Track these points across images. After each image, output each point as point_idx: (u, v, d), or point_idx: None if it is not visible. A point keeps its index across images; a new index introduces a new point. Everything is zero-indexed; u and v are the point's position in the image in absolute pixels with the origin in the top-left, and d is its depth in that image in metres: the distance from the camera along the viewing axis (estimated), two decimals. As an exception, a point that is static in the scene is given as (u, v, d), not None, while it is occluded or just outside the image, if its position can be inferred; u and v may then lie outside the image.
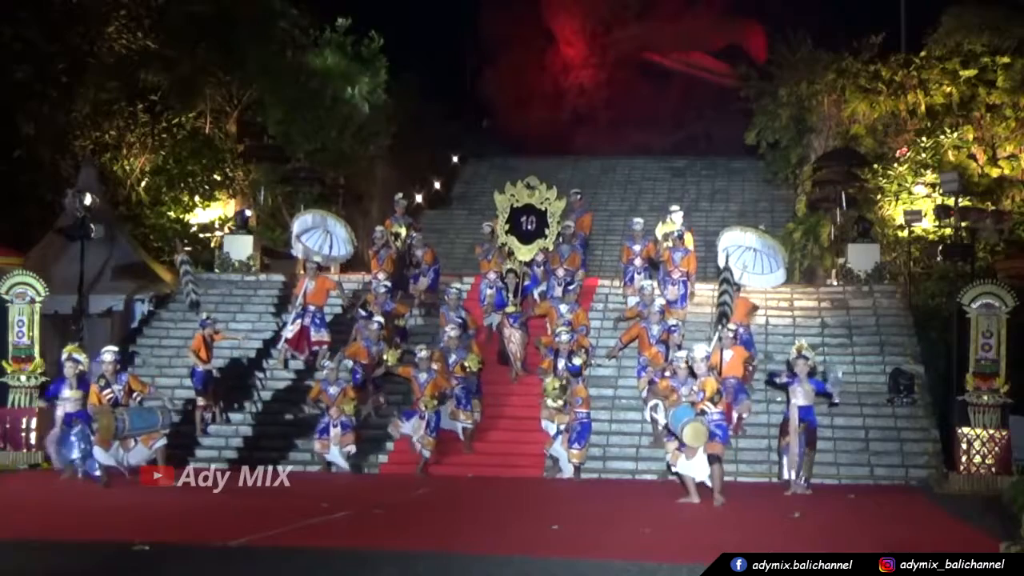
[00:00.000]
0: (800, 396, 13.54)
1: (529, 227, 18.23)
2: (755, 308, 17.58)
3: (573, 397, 14.52)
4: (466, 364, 15.70)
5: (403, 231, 19.89)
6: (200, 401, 16.29)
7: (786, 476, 13.84)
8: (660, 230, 19.18)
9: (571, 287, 17.32)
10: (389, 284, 17.76)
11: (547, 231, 18.19)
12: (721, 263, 17.73)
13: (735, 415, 14.83)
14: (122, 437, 13.81)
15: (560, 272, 17.85)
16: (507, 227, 18.30)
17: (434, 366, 15.23)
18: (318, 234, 19.91)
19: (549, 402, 14.57)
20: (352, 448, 15.28)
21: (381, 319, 16.65)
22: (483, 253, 19.02)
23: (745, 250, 18.20)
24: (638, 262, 18.56)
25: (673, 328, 15.63)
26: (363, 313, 16.77)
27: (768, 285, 18.57)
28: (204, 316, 17.07)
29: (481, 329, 17.70)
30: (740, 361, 15.27)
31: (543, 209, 18.21)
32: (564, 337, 15.35)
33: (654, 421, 14.90)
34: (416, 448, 15.07)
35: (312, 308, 17.65)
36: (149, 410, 14.38)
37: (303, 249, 19.62)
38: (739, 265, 17.85)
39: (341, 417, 15.15)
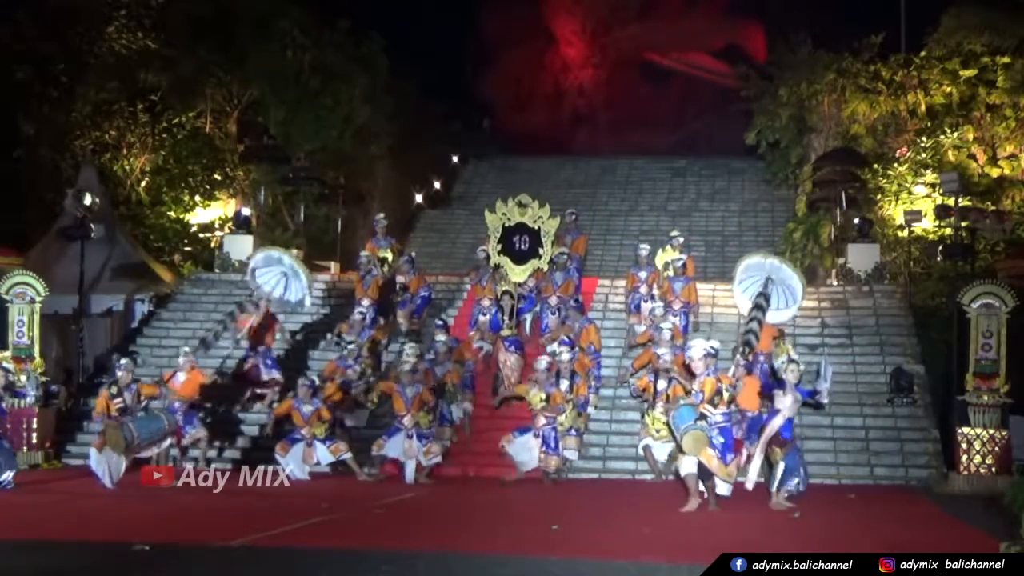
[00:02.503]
0: (788, 406, 12.15)
1: (522, 247, 17.63)
2: (782, 334, 16.29)
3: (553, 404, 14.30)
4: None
5: (389, 255, 19.11)
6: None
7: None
8: (660, 258, 18.22)
9: (573, 307, 16.60)
10: (365, 310, 17.09)
11: (541, 251, 17.56)
12: (738, 289, 16.85)
13: (745, 453, 13.43)
14: (134, 448, 13.72)
15: (553, 300, 17.06)
16: (499, 247, 17.66)
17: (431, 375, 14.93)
18: (274, 274, 17.92)
19: (559, 422, 14.36)
20: (345, 455, 14.56)
21: (353, 342, 16.26)
22: (476, 278, 18.33)
23: (756, 307, 16.59)
24: (643, 289, 17.59)
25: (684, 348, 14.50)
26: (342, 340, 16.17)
27: (782, 320, 17.03)
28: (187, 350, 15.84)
29: (477, 361, 16.81)
30: (754, 392, 13.92)
31: (536, 228, 17.59)
32: (564, 357, 14.73)
33: (647, 452, 14.71)
34: (412, 463, 14.39)
35: (260, 348, 16.62)
36: (154, 416, 14.24)
37: (255, 286, 17.83)
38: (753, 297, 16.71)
39: (315, 439, 14.50)
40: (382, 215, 20.26)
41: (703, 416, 11.90)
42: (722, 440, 11.79)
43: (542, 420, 14.19)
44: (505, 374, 16.37)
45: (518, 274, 17.57)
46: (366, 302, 17.54)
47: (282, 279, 17.77)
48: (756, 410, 13.51)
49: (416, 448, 14.27)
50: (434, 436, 14.64)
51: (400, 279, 18.34)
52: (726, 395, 12.13)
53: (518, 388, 15.22)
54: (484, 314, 17.17)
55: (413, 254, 19.33)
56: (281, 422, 15.10)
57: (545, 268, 17.66)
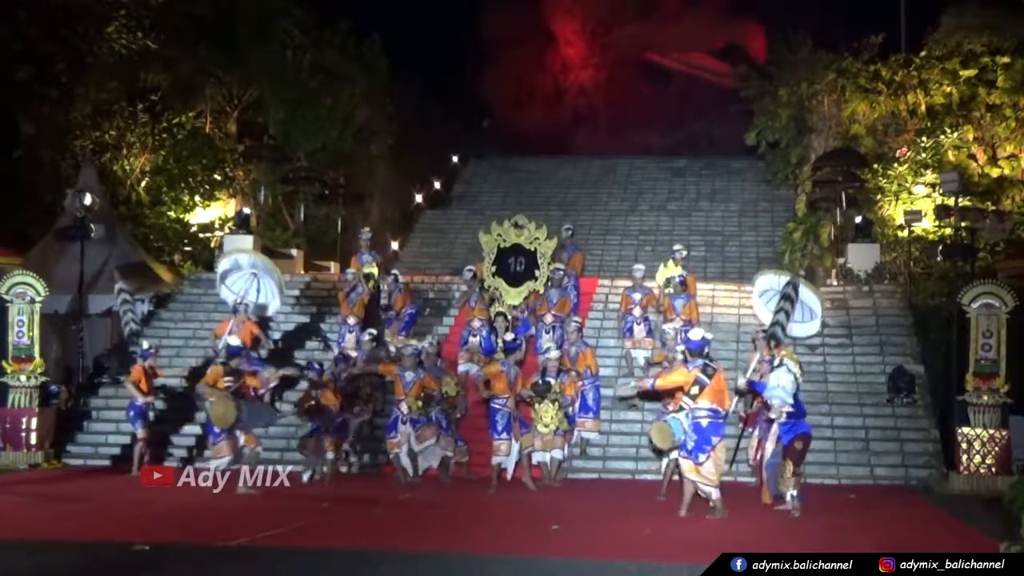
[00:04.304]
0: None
1: (518, 269, 17.04)
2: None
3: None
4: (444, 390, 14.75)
5: (375, 270, 18.32)
6: (140, 433, 15.02)
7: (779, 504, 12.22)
8: (661, 275, 17.50)
9: (573, 329, 15.81)
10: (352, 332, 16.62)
11: (537, 273, 16.95)
12: (760, 306, 16.71)
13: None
14: (238, 427, 13.46)
15: (548, 319, 16.46)
16: (494, 269, 17.07)
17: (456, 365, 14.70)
18: (244, 277, 17.73)
19: (540, 427, 13.85)
20: (330, 455, 14.38)
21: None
22: (464, 298, 17.74)
23: (783, 296, 16.88)
24: (637, 311, 16.83)
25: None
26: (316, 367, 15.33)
27: (806, 333, 17.25)
28: (146, 347, 15.83)
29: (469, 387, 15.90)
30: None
31: (532, 249, 17.02)
32: (553, 354, 14.26)
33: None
34: (405, 448, 14.22)
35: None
36: (264, 407, 14.18)
37: (226, 294, 17.78)
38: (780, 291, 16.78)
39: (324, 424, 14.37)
40: (366, 229, 19.56)
41: (680, 409, 11.59)
42: (695, 437, 11.20)
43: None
44: None
45: (513, 296, 16.99)
46: (352, 320, 17.19)
47: (252, 281, 17.53)
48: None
49: (409, 432, 14.11)
50: (442, 433, 14.39)
51: (384, 299, 17.87)
52: (729, 393, 11.75)
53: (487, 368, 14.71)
54: (475, 335, 16.59)
55: (397, 272, 18.74)
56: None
57: (541, 290, 17.11)
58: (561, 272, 17.26)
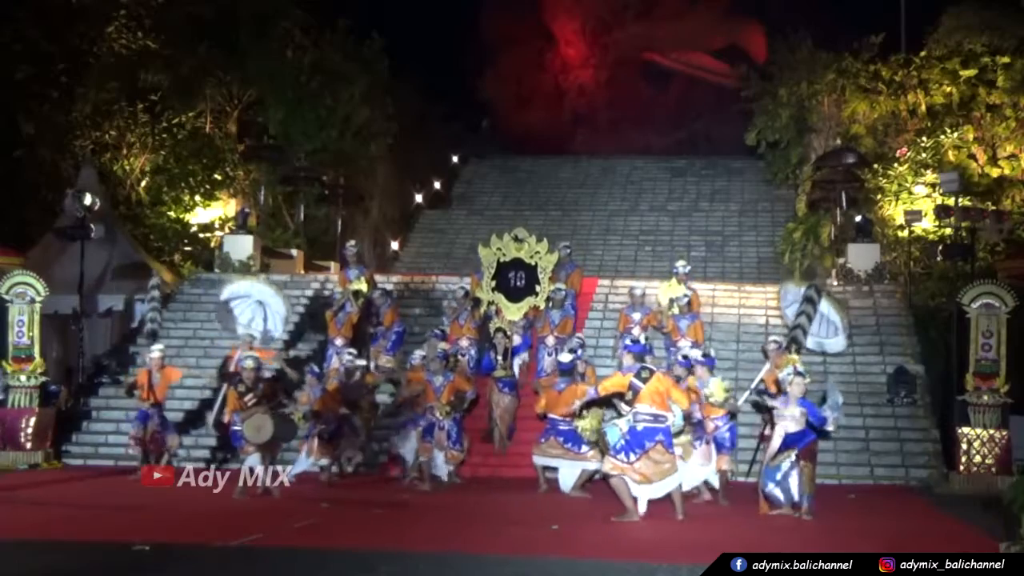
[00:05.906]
0: (789, 421, 11.61)
1: (518, 284, 16.56)
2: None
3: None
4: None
5: (364, 287, 17.32)
6: (133, 431, 14.60)
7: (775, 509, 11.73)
8: (664, 293, 16.60)
9: (572, 343, 15.01)
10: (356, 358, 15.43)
11: (538, 288, 16.52)
12: (788, 312, 16.84)
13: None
14: (272, 441, 13.21)
15: (550, 340, 15.97)
16: (493, 283, 16.61)
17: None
18: (250, 305, 17.70)
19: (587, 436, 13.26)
20: (324, 461, 14.08)
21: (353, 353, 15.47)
22: (452, 314, 16.96)
23: (805, 299, 16.80)
24: (636, 331, 15.53)
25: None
26: (316, 370, 15.06)
27: (831, 350, 17.08)
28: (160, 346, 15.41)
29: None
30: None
31: (533, 264, 16.60)
32: (565, 358, 13.53)
33: None
34: (442, 454, 13.84)
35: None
36: (288, 419, 13.76)
37: (232, 321, 17.69)
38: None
39: (319, 427, 14.13)
40: (352, 243, 18.50)
41: (619, 416, 11.58)
42: (628, 439, 11.01)
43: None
44: (497, 415, 15.51)
45: (513, 312, 16.51)
46: (339, 341, 16.54)
47: (258, 309, 17.51)
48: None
49: (444, 439, 13.71)
50: (461, 444, 14.05)
51: (378, 310, 17.24)
52: (687, 397, 11.50)
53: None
54: (463, 355, 15.64)
55: (387, 286, 18.42)
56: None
57: (542, 306, 16.62)
58: (563, 292, 16.72)
